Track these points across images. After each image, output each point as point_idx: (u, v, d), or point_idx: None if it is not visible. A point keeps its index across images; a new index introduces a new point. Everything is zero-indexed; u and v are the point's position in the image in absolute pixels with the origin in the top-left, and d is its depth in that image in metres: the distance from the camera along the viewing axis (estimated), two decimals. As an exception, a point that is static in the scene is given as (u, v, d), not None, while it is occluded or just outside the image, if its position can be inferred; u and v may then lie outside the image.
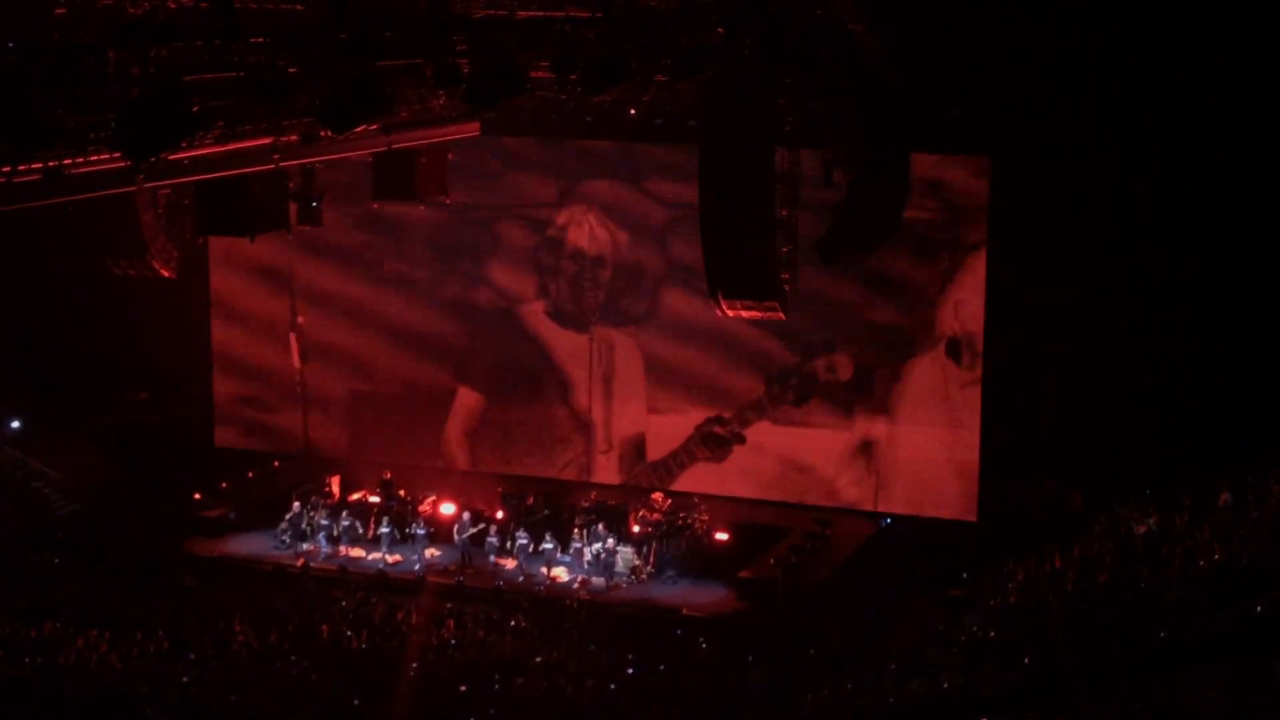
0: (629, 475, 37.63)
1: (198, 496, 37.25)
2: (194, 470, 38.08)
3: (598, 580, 33.29)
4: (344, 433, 39.62)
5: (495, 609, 31.84)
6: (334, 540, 34.96)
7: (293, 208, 27.80)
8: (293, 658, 29.29)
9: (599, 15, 26.91)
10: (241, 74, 21.69)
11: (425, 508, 35.69)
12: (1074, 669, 23.65)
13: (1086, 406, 33.03)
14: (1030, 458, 33.87)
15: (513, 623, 31.11)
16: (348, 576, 33.71)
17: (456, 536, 34.42)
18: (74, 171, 20.35)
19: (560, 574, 33.64)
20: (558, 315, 37.99)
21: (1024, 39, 31.36)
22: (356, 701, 27.62)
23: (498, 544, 34.43)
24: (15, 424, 38.76)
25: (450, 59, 24.84)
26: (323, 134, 24.08)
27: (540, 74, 27.28)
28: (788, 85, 29.22)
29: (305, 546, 34.98)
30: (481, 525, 34.68)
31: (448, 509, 35.61)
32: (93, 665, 28.99)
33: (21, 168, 19.51)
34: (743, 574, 33.23)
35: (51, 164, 19.93)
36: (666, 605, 32.41)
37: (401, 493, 36.34)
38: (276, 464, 39.29)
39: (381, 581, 33.49)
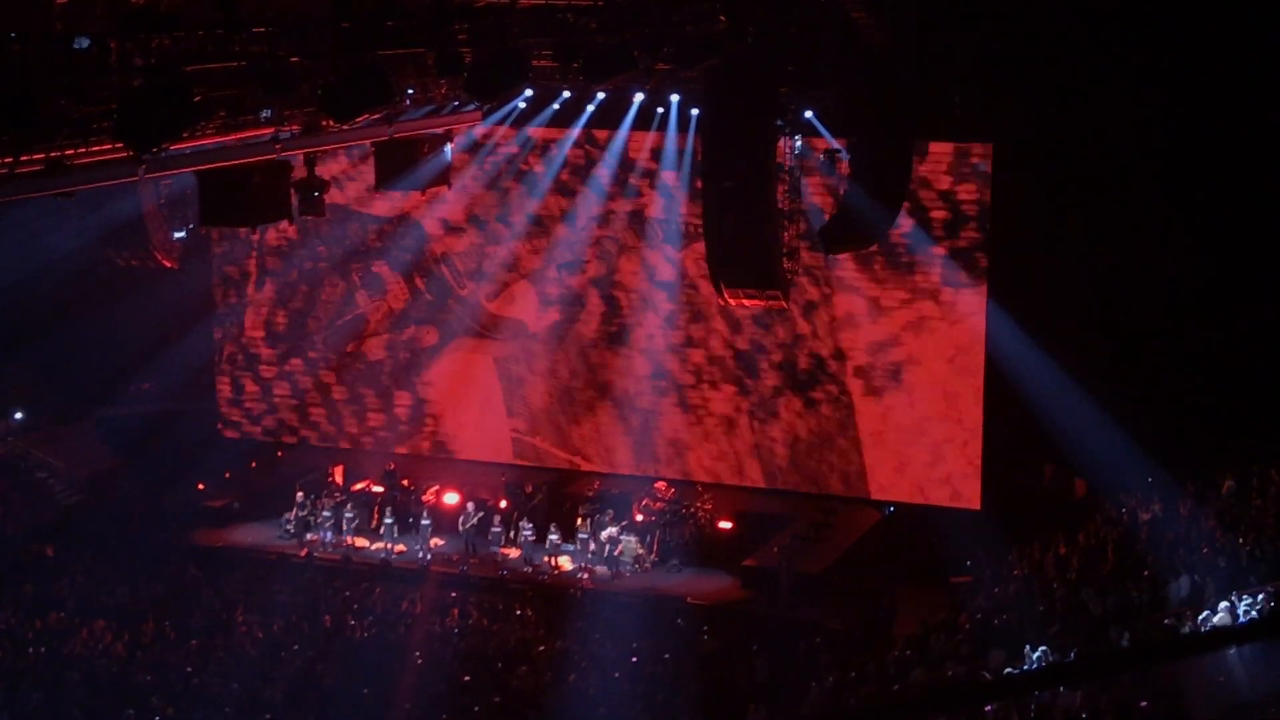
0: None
1: (201, 486, 37.26)
2: (198, 460, 38.07)
3: (602, 569, 33.31)
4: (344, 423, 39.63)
5: (499, 598, 31.88)
6: (338, 530, 34.98)
7: (294, 197, 27.76)
8: (296, 647, 29.34)
9: (601, 3, 26.90)
10: (243, 64, 21.70)
11: (429, 497, 35.70)
12: (1078, 656, 23.65)
13: (1090, 394, 32.98)
14: (1033, 445, 33.85)
15: (517, 611, 31.15)
16: (351, 566, 33.74)
17: (460, 526, 34.43)
18: (76, 162, 20.35)
19: (564, 563, 33.67)
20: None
21: (1026, 26, 31.32)
22: (361, 691, 27.68)
23: (502, 533, 34.45)
24: (19, 415, 38.79)
25: (452, 48, 24.84)
26: (325, 123, 24.07)
27: (542, 63, 27.28)
28: (790, 73, 29.19)
29: (309, 536, 35.00)
30: (485, 515, 34.69)
31: (451, 499, 35.63)
32: (97, 655, 29.05)
33: (24, 158, 19.51)
34: (746, 562, 33.23)
35: (54, 154, 19.93)
36: (670, 594, 32.44)
37: (405, 482, 36.35)
38: (280, 454, 39.30)
39: (385, 571, 33.52)
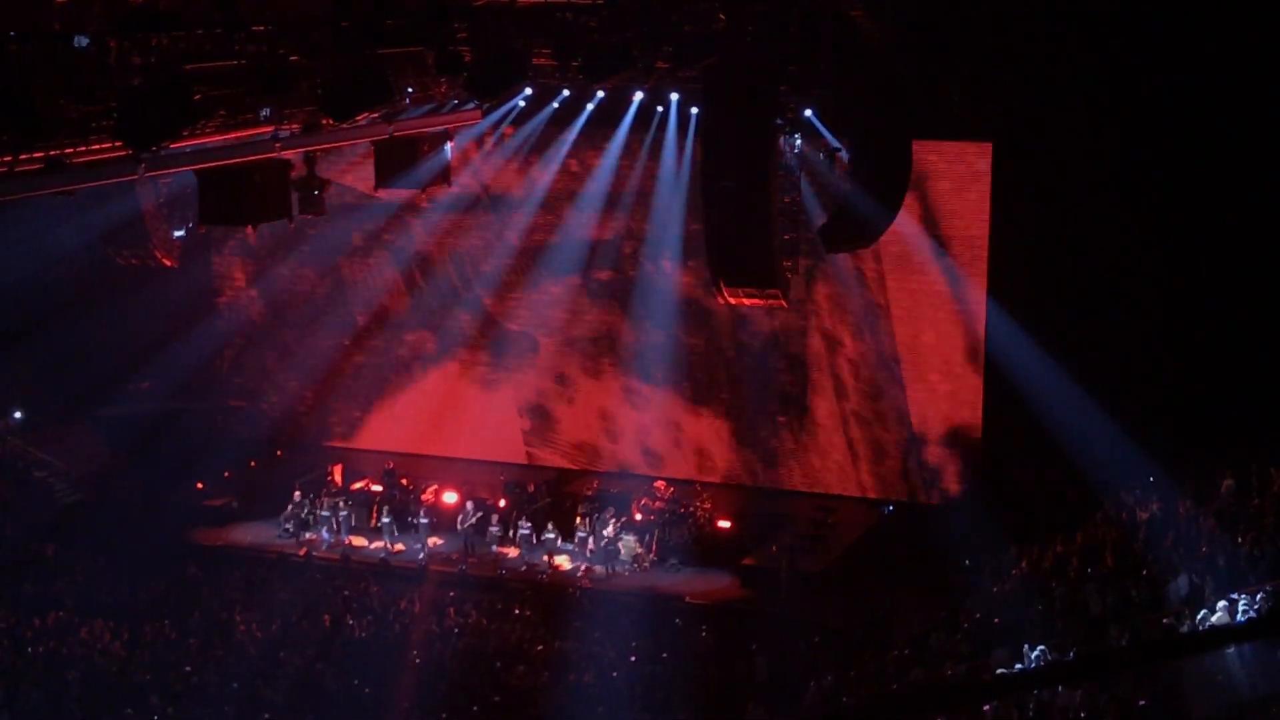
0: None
1: (201, 485, 37.24)
2: (197, 459, 38.04)
3: (600, 568, 33.28)
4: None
5: (498, 597, 31.85)
6: (336, 529, 34.95)
7: (294, 196, 27.75)
8: (295, 646, 29.33)
9: (600, 2, 26.91)
10: (243, 63, 21.71)
11: (428, 496, 35.67)
12: (1077, 655, 23.65)
13: (1090, 394, 32.98)
14: (1033, 445, 33.83)
15: (515, 611, 31.13)
16: (350, 565, 33.70)
17: (459, 525, 34.40)
18: (76, 161, 20.36)
19: (563, 562, 33.64)
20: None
21: (1025, 23, 31.31)
22: (360, 690, 27.67)
23: (500, 532, 34.41)
24: (18, 414, 38.77)
25: (451, 47, 24.85)
26: (325, 122, 24.08)
27: (541, 61, 27.29)
28: (790, 72, 29.18)
29: (308, 535, 34.98)
30: (483, 514, 34.67)
31: (450, 498, 35.60)
32: (96, 654, 29.04)
33: (24, 156, 19.52)
34: (745, 561, 33.23)
35: (54, 153, 19.94)
36: (669, 593, 32.42)
37: (404, 481, 36.33)
38: (280, 453, 39.27)
39: (384, 570, 33.49)
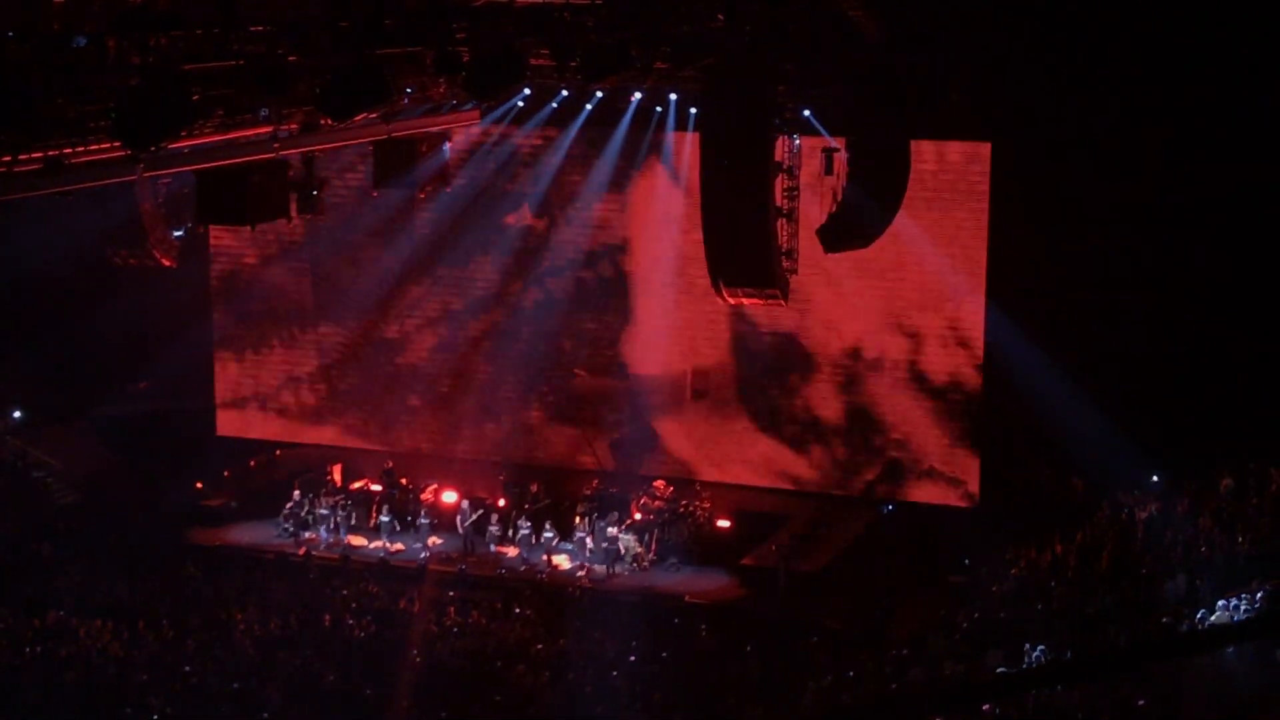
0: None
1: (199, 485, 37.21)
2: (195, 459, 38.03)
3: (600, 568, 33.27)
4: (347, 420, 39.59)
5: (497, 597, 31.83)
6: (335, 529, 34.92)
7: (292, 196, 27.74)
8: (294, 646, 29.32)
9: (599, 2, 26.92)
10: (241, 63, 21.71)
11: (427, 496, 35.63)
12: (1075, 655, 23.65)
13: (1089, 393, 33.01)
14: (1032, 445, 33.85)
15: (515, 610, 31.11)
16: (349, 565, 33.67)
17: (458, 525, 34.37)
18: (74, 161, 20.35)
19: (562, 562, 33.63)
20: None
21: (1024, 22, 31.32)
22: (359, 690, 27.65)
23: (499, 532, 34.38)
24: (16, 414, 38.75)
25: (450, 47, 24.85)
26: (323, 122, 24.08)
27: (540, 61, 27.30)
28: (788, 72, 29.19)
29: (307, 535, 34.94)
30: (483, 513, 34.65)
31: (449, 497, 35.55)
32: (95, 655, 29.03)
33: (22, 157, 19.52)
34: (744, 561, 33.23)
35: (52, 153, 19.94)
36: (668, 592, 32.42)
37: (403, 481, 36.30)
38: (278, 452, 39.24)
39: (383, 570, 33.46)
